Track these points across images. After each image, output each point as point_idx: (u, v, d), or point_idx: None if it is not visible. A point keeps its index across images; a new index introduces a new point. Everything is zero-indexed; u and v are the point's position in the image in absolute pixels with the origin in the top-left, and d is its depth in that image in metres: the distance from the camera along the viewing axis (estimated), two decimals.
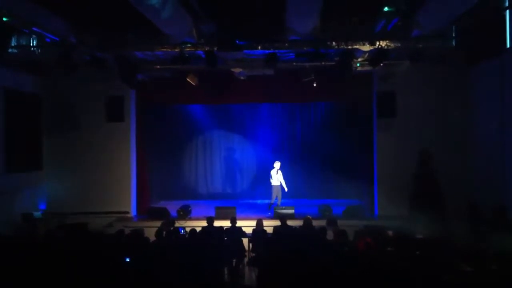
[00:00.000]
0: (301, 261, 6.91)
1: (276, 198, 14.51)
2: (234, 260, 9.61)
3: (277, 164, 14.62)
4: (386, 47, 11.28)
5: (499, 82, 11.75)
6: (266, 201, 16.06)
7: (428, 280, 5.99)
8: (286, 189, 14.56)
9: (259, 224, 10.52)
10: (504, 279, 5.92)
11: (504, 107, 11.60)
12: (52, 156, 14.64)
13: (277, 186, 14.49)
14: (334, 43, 11.34)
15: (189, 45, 11.41)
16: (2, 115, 12.60)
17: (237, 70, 13.26)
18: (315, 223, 11.05)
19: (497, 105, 11.91)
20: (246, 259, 10.09)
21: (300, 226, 10.47)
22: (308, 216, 10.73)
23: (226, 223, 10.79)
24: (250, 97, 15.43)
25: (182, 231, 10.33)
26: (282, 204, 14.58)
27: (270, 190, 14.66)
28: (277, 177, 14.51)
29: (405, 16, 10.47)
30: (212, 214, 12.65)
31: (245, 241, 10.33)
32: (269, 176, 14.69)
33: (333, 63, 12.22)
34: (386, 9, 10.30)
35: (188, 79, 13.19)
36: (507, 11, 11.18)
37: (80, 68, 12.01)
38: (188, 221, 13.14)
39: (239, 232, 10.44)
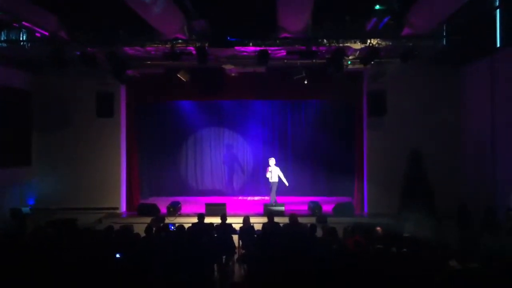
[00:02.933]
0: (290, 258, 6.93)
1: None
2: (224, 257, 9.60)
3: (271, 161, 14.67)
4: (377, 45, 11.31)
5: (490, 81, 11.82)
6: (257, 198, 16.10)
7: (417, 278, 6.02)
8: (286, 183, 14.64)
9: (246, 221, 10.52)
10: (493, 278, 5.97)
11: (495, 106, 11.68)
12: (41, 152, 14.56)
13: (275, 182, 14.52)
14: (325, 41, 11.35)
15: (180, 41, 11.36)
16: None
17: (228, 67, 13.24)
18: (305, 220, 11.09)
19: (487, 104, 11.98)
20: (236, 256, 10.09)
21: (288, 224, 10.48)
22: (293, 213, 10.75)
23: (216, 220, 10.79)
24: (241, 94, 15.42)
25: (172, 227, 10.31)
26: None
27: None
28: (271, 174, 14.53)
29: (396, 14, 10.50)
30: (202, 210, 12.65)
31: (235, 238, 10.33)
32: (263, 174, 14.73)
33: (325, 61, 12.24)
34: (377, 7, 10.32)
35: (179, 76, 13.15)
36: (498, 10, 11.25)
37: (71, 63, 11.94)
38: (178, 218, 13.11)
39: (229, 229, 10.44)
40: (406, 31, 10.84)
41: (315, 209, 13.51)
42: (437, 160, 13.43)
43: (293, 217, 10.45)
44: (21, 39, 11.79)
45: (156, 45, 11.64)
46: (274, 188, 14.56)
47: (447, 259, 6.94)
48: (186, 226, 9.67)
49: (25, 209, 13.39)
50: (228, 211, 12.78)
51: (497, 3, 11.15)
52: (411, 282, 5.98)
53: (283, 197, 16.21)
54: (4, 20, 10.52)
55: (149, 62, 13.09)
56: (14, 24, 10.98)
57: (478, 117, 12.71)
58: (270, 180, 14.60)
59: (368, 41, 11.28)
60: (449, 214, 11.39)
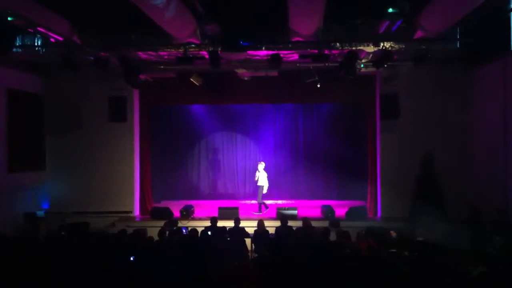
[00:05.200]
0: (303, 262, 6.90)
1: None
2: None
3: (260, 166, 14.91)
4: (390, 48, 11.27)
5: (503, 84, 11.73)
6: (269, 202, 16.08)
7: (429, 282, 5.97)
8: (263, 189, 14.81)
9: (260, 225, 10.50)
10: (506, 282, 5.90)
11: (507, 109, 11.57)
12: (55, 156, 14.67)
13: (261, 186, 14.68)
14: (338, 44, 11.33)
15: (193, 45, 11.40)
16: (5, 115, 12.66)
17: (240, 71, 13.26)
18: (318, 224, 11.05)
19: (500, 107, 11.88)
20: (248, 260, 10.07)
21: (301, 227, 10.46)
22: (306, 217, 10.73)
23: (229, 224, 10.79)
24: (253, 98, 15.43)
25: (185, 231, 10.33)
26: (284, 205, 14.67)
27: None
28: (259, 178, 14.73)
29: (408, 17, 10.46)
30: (215, 214, 12.66)
31: (247, 241, 10.32)
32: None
33: (337, 65, 12.21)
34: (390, 10, 10.29)
35: (191, 80, 13.20)
36: (511, 13, 11.17)
37: (84, 68, 12.05)
38: (191, 221, 13.15)
39: (242, 232, 10.44)
40: (418, 34, 10.79)
41: (328, 213, 13.49)
42: (449, 163, 13.36)
43: (306, 220, 10.43)
44: (35, 44, 11.92)
45: (169, 50, 11.71)
46: (260, 191, 14.68)
47: (460, 264, 6.89)
48: (199, 229, 9.68)
49: (39, 213, 13.49)
50: (241, 215, 12.77)
51: (511, 6, 11.05)
52: (424, 287, 5.94)
53: (296, 200, 16.27)
54: (19, 26, 10.63)
55: (161, 67, 13.16)
56: (29, 30, 11.11)
57: (491, 120, 12.59)
58: (258, 184, 14.74)
59: (381, 44, 11.25)
60: (461, 217, 11.31)
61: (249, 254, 10.17)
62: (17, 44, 11.83)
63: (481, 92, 13.19)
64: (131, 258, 7.41)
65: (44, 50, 12.01)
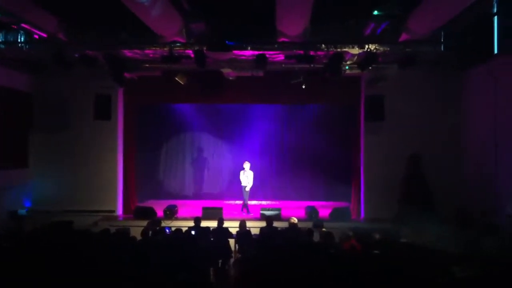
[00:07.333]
0: (287, 262, 6.90)
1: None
2: (220, 261, 9.57)
3: (246, 165, 14.82)
4: (375, 50, 11.32)
5: (489, 86, 11.83)
6: (253, 202, 16.06)
7: (415, 283, 6.00)
8: (247, 189, 14.74)
9: (242, 226, 10.48)
10: (492, 283, 5.95)
11: (496, 111, 11.66)
12: (38, 154, 14.55)
13: (246, 186, 14.69)
14: (323, 45, 11.35)
15: (178, 44, 11.37)
16: None
17: (226, 70, 13.23)
18: (302, 225, 11.06)
19: (487, 109, 11.98)
20: (232, 260, 10.05)
21: (286, 228, 10.46)
22: (293, 218, 10.73)
23: (213, 224, 10.76)
24: (240, 98, 15.42)
25: (168, 231, 10.28)
26: (268, 205, 14.68)
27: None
28: (245, 178, 14.67)
29: (395, 20, 10.51)
30: (199, 214, 12.63)
31: (231, 242, 10.30)
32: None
33: (322, 66, 12.24)
34: (376, 12, 10.34)
35: (176, 79, 13.14)
36: (495, 17, 11.27)
37: (70, 65, 11.94)
38: (174, 221, 13.10)
39: (226, 232, 10.41)
40: (404, 36, 10.85)
41: (312, 213, 13.52)
42: (438, 165, 13.40)
43: (292, 222, 10.43)
44: (19, 40, 11.77)
45: (154, 48, 11.65)
46: (244, 192, 14.71)
47: (446, 265, 6.91)
48: (183, 229, 9.64)
49: (22, 211, 13.36)
50: (224, 215, 12.75)
51: (495, 10, 11.16)
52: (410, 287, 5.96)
53: (280, 201, 16.26)
54: (2, 22, 10.51)
55: (147, 65, 13.09)
56: (13, 26, 10.98)
57: (480, 121, 12.68)
58: (243, 184, 14.73)
59: (366, 46, 11.29)
60: (450, 218, 11.37)
61: (233, 254, 10.16)
62: (0, 41, 11.67)
63: (470, 93, 13.30)
64: (114, 258, 7.34)
65: (27, 47, 11.86)
